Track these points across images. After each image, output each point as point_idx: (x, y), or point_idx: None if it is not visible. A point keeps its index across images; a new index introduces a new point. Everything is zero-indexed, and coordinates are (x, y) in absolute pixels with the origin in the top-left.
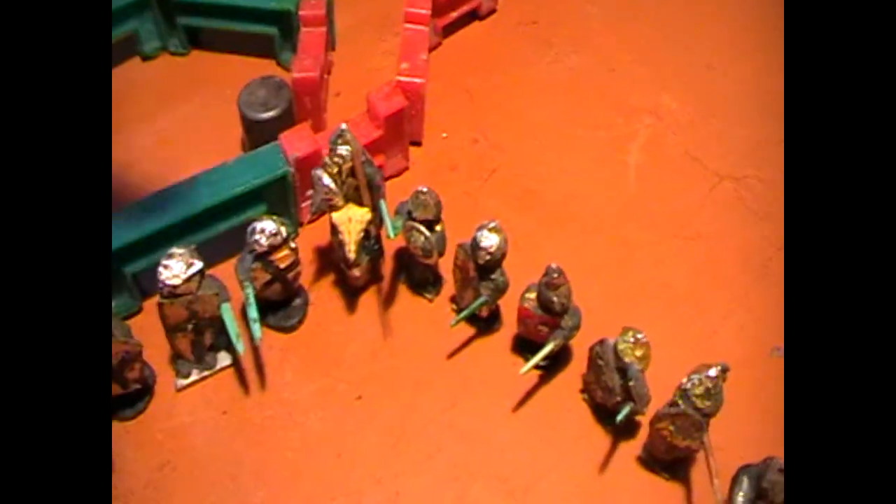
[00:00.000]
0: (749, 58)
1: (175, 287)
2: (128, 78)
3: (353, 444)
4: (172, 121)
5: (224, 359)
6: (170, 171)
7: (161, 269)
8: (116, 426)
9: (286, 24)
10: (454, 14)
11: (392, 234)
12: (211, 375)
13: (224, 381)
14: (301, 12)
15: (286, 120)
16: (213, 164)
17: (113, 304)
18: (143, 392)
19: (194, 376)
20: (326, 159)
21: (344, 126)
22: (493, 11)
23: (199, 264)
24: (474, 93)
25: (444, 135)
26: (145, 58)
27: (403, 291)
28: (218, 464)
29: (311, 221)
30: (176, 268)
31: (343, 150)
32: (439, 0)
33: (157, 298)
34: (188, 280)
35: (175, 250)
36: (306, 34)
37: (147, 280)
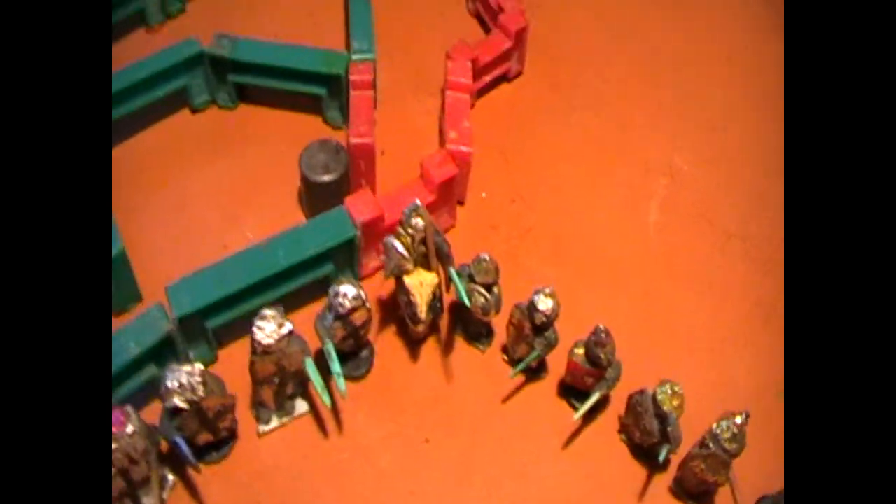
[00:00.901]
0: (751, 118)
1: (268, 346)
2: (178, 128)
3: (423, 483)
4: (222, 170)
5: (301, 406)
6: (227, 225)
7: (255, 329)
8: (205, 469)
9: (335, 86)
10: (488, 78)
11: (468, 304)
12: (290, 422)
13: (302, 427)
14: (351, 77)
15: (343, 181)
16: (265, 212)
17: (192, 353)
18: (229, 437)
19: (275, 423)
20: (400, 229)
21: (418, 202)
22: (519, 74)
23: (289, 326)
24: (507, 153)
25: (484, 195)
26: (194, 110)
27: (459, 342)
28: (309, 498)
29: (364, 278)
30: (268, 328)
31: (416, 222)
32: (476, 66)
33: (229, 348)
34: (279, 340)
35: (267, 312)
36: (356, 97)
37: (223, 333)
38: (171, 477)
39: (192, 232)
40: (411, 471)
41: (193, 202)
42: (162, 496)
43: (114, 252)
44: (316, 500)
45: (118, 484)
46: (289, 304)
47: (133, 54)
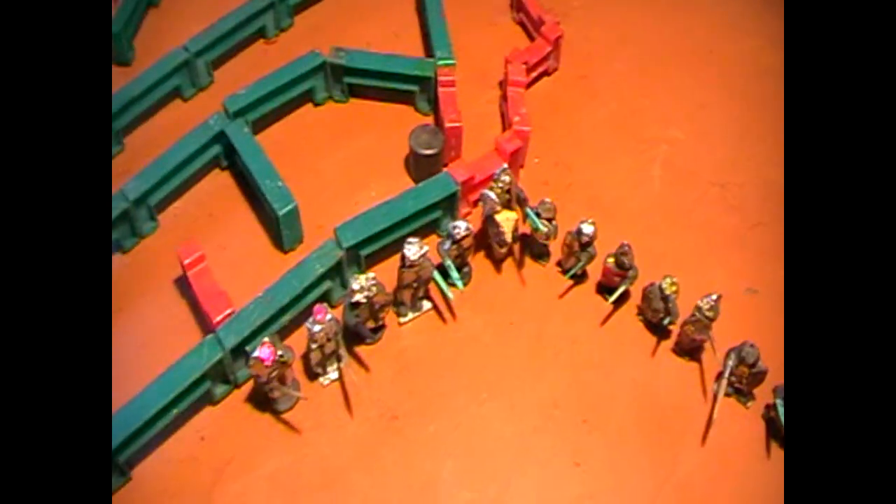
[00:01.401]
0: (728, 99)
1: (413, 261)
2: (305, 120)
3: (511, 351)
4: (343, 150)
5: (427, 304)
6: (354, 188)
7: (406, 249)
8: (367, 347)
9: (424, 84)
10: (534, 75)
11: (541, 230)
12: (419, 315)
13: (428, 319)
14: (440, 78)
15: (440, 154)
16: (381, 179)
17: (352, 273)
18: (382, 325)
19: (410, 316)
20: (492, 183)
21: (505, 165)
22: (556, 70)
23: (426, 248)
24: (550, 130)
25: (536, 160)
26: (316, 105)
27: (527, 261)
28: (436, 365)
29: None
30: (413, 249)
31: (504, 178)
32: (526, 66)
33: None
34: (420, 257)
35: (412, 239)
36: (444, 93)
37: (371, 258)
38: (345, 354)
39: (328, 195)
40: (503, 344)
41: (325, 174)
42: (340, 365)
43: (288, 208)
44: (439, 366)
45: (316, 355)
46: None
47: (256, 60)
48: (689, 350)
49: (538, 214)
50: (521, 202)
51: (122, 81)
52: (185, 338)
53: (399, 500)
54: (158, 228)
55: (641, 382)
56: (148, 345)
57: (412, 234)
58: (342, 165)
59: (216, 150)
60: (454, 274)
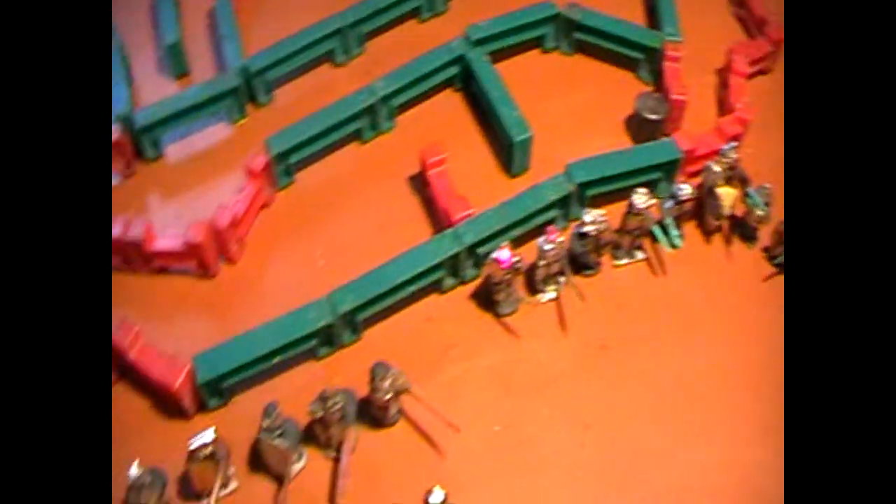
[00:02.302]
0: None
1: (640, 209)
2: (531, 63)
3: (714, 296)
4: (565, 98)
5: (640, 254)
6: (577, 134)
7: (634, 197)
8: (584, 279)
9: (650, 54)
10: (754, 69)
11: (762, 212)
12: (631, 262)
13: (638, 267)
14: (667, 52)
15: (661, 122)
16: (601, 135)
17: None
18: (598, 264)
19: (625, 260)
20: (718, 157)
21: (733, 143)
22: (771, 70)
23: (653, 200)
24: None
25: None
26: (544, 51)
27: (735, 239)
28: (645, 309)
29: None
30: (641, 199)
31: (732, 154)
32: (750, 61)
33: None
34: (646, 207)
35: (640, 189)
36: (669, 67)
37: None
38: (570, 274)
39: (552, 134)
40: (708, 306)
41: (548, 115)
42: (562, 285)
43: (524, 136)
44: (648, 310)
45: (542, 272)
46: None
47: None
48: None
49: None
50: (744, 182)
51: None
52: (417, 228)
53: (600, 420)
54: (395, 128)
55: None
56: (385, 228)
57: (636, 186)
58: (564, 111)
59: (453, 71)
60: (674, 231)
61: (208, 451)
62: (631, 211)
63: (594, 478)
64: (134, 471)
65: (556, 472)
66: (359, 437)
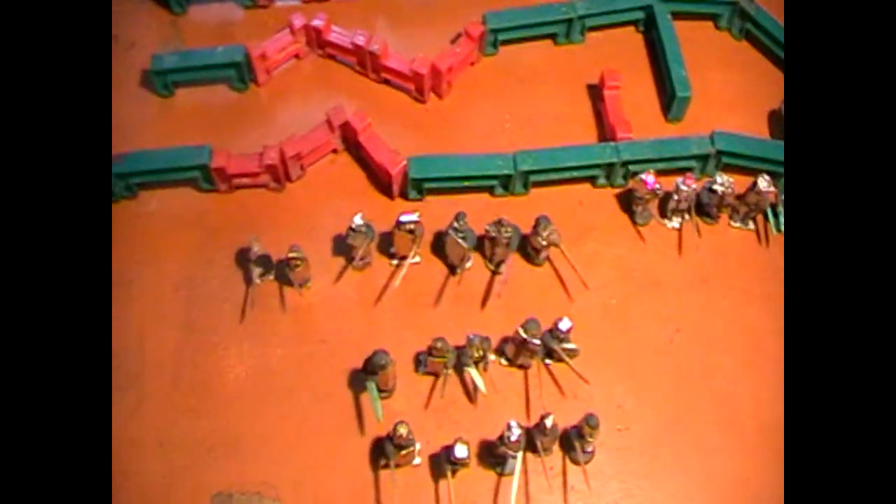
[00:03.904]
0: None
1: (762, 189)
2: (703, 35)
3: None
4: (720, 78)
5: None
6: (725, 113)
7: (759, 180)
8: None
9: None
10: None
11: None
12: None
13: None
14: None
15: None
16: (753, 120)
17: None
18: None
19: (738, 225)
20: None
21: None
22: None
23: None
24: None
25: None
26: (718, 28)
27: None
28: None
29: None
30: (764, 182)
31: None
32: None
33: None
34: (767, 189)
35: (767, 176)
36: None
37: None
38: (694, 216)
39: (705, 102)
40: None
41: (707, 85)
42: (682, 223)
43: (685, 94)
44: (748, 266)
45: (672, 205)
46: None
47: None
48: None
49: None
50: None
51: None
52: (584, 130)
53: (689, 330)
54: (584, 42)
55: None
56: (560, 119)
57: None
58: (719, 85)
59: (639, 15)
60: (782, 219)
61: (411, 227)
62: (753, 189)
63: (673, 369)
64: (358, 219)
65: (647, 353)
66: (514, 262)
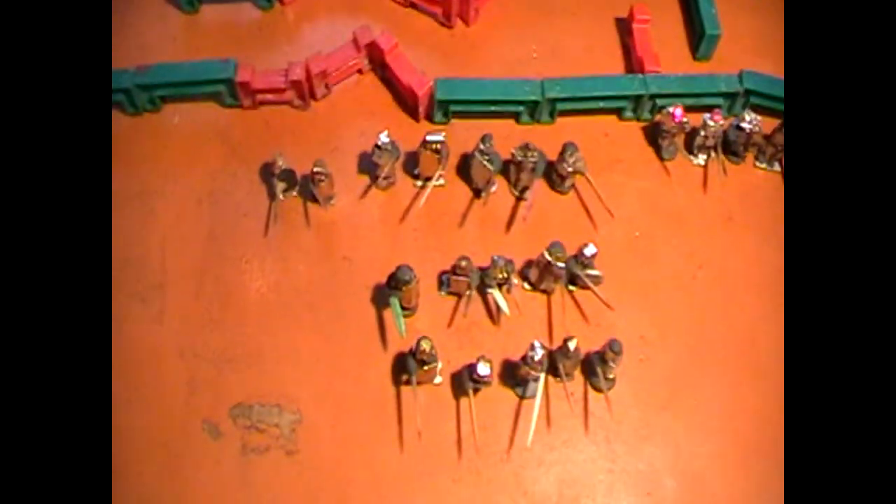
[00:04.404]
0: None
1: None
2: None
3: None
4: (750, 22)
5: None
6: (754, 55)
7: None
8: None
9: None
10: None
11: None
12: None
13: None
14: None
15: None
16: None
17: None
18: None
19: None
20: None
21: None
22: None
23: None
24: None
25: None
26: None
27: None
28: None
29: None
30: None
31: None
32: None
33: None
34: None
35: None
36: None
37: None
38: (713, 153)
39: (733, 42)
40: None
41: (735, 26)
42: (708, 160)
43: (715, 32)
44: (773, 207)
45: (700, 141)
46: None
47: None
48: None
49: None
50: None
51: None
52: (612, 62)
53: (711, 268)
54: None
55: None
56: (588, 49)
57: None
58: (742, 29)
59: None
60: None
61: (437, 146)
62: (780, 129)
63: (695, 304)
64: (384, 136)
65: (670, 287)
66: (539, 188)
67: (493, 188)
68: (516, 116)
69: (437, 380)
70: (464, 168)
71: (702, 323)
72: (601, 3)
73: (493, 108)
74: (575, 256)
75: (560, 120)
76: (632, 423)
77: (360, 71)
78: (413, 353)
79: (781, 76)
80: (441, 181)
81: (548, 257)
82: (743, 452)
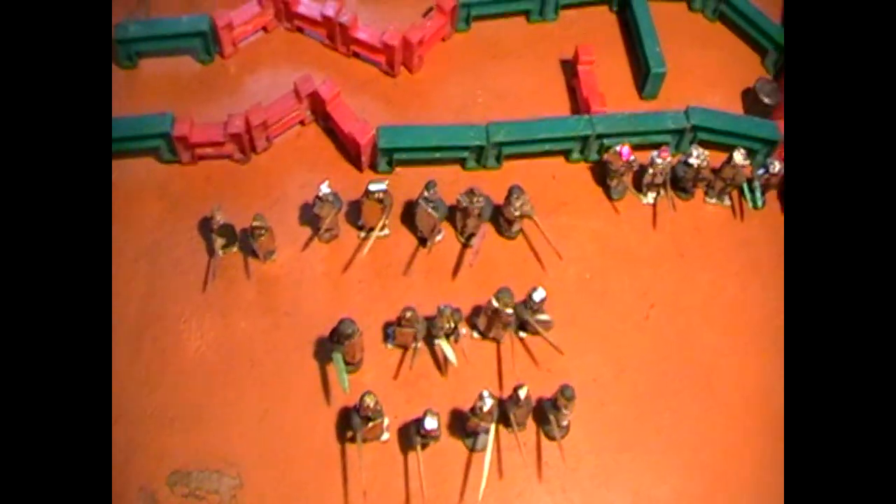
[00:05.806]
0: None
1: (738, 164)
2: (677, 15)
3: None
4: (697, 59)
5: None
6: (699, 91)
7: (736, 154)
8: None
9: (779, 51)
10: None
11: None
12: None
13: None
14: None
15: (771, 108)
16: (727, 98)
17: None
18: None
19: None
20: None
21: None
22: None
23: (748, 162)
24: None
25: None
26: (691, 10)
27: None
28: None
29: None
30: (740, 157)
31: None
32: None
33: None
34: (743, 165)
35: (743, 151)
36: None
37: None
38: (662, 191)
39: (679, 80)
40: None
41: (681, 63)
42: (657, 198)
43: (660, 70)
44: (723, 241)
45: (648, 178)
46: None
47: None
48: None
49: None
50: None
51: None
52: (558, 104)
53: (664, 306)
54: (557, 20)
55: None
56: (533, 93)
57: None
58: (693, 64)
59: None
60: (758, 193)
61: (380, 195)
62: (729, 162)
63: (650, 343)
64: (325, 187)
65: (623, 326)
66: (487, 233)
67: (440, 236)
68: (462, 162)
69: (385, 436)
70: (409, 216)
71: (657, 361)
72: (546, 45)
73: (437, 154)
74: (524, 302)
75: (507, 164)
76: (588, 469)
77: (302, 122)
78: (357, 409)
79: (729, 109)
80: (385, 231)
81: (496, 304)
82: (706, 487)
